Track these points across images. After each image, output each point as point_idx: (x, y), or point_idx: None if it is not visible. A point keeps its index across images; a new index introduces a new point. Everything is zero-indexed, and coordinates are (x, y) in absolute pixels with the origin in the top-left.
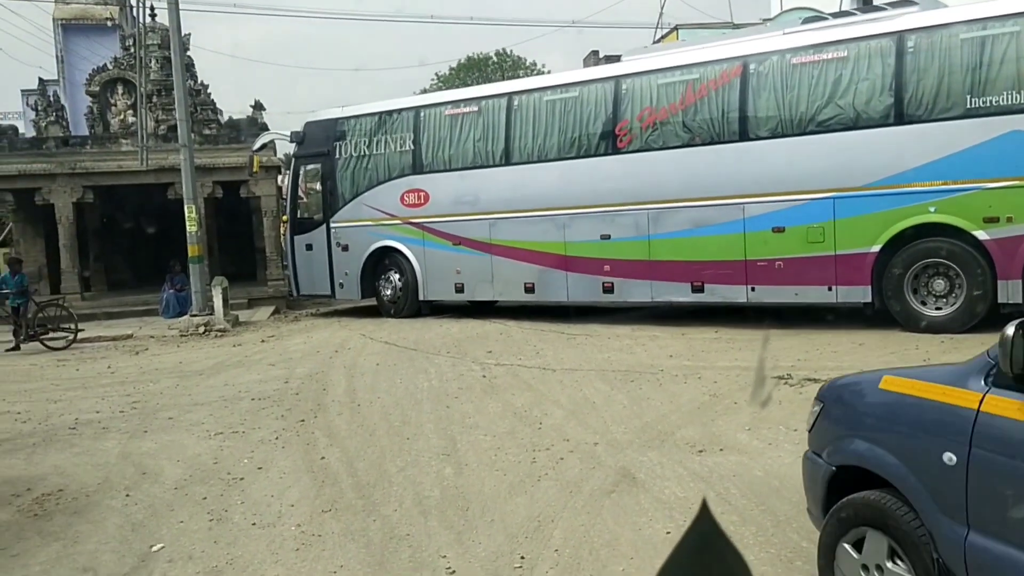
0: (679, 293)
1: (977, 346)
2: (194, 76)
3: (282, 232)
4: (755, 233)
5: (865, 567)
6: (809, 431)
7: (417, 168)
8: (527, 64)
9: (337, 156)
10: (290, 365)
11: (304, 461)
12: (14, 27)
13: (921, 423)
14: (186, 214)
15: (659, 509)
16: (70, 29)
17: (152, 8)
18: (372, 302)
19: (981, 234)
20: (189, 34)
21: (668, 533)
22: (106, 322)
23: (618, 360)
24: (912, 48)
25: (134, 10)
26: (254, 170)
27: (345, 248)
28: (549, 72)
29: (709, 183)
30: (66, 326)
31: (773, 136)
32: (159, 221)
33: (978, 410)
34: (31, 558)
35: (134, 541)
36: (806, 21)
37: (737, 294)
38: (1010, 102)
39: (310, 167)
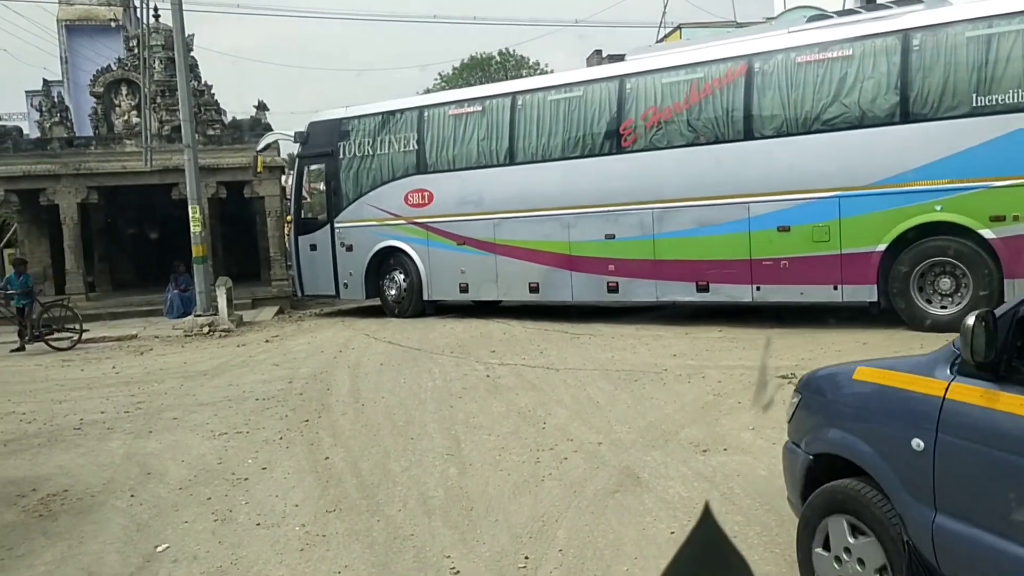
0: (684, 293)
1: None
2: (198, 77)
3: (286, 232)
4: (760, 232)
5: (839, 555)
6: (788, 422)
7: (421, 168)
8: (530, 64)
9: (341, 156)
10: (294, 365)
11: (308, 461)
12: (18, 28)
13: (891, 411)
14: (190, 214)
15: (663, 509)
16: (74, 30)
17: (156, 9)
18: (376, 302)
19: (987, 233)
20: (193, 35)
21: (672, 533)
22: (111, 322)
23: (622, 360)
24: (917, 46)
25: (138, 11)
26: (258, 170)
27: (349, 248)
28: (552, 72)
29: (714, 182)
30: (71, 327)
31: (778, 135)
32: (163, 221)
33: (944, 398)
34: (36, 558)
35: (139, 541)
36: (811, 19)
37: (742, 293)
38: (1016, 100)
39: (314, 167)
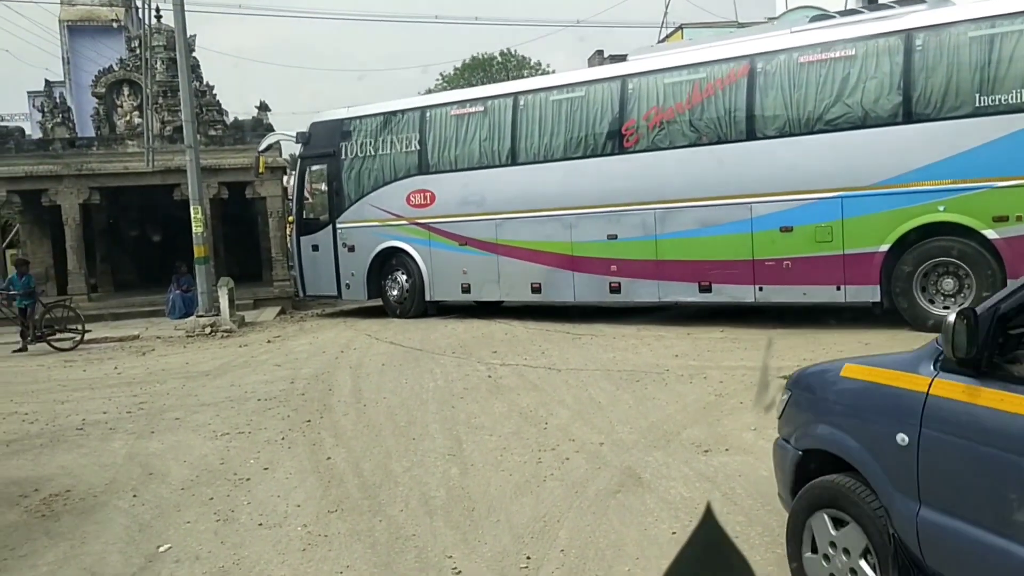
0: (687, 293)
1: None
2: (199, 77)
3: (288, 233)
4: (763, 233)
5: (829, 547)
6: (779, 418)
7: (423, 168)
8: (531, 64)
9: (343, 156)
10: (296, 366)
11: (310, 461)
12: (20, 28)
13: (878, 407)
14: (192, 215)
15: (665, 509)
16: (76, 30)
17: (158, 9)
18: (378, 303)
19: (991, 233)
20: (194, 35)
21: (674, 533)
22: (113, 323)
23: (624, 360)
24: (920, 46)
25: (139, 11)
26: (260, 171)
27: (351, 249)
28: (554, 72)
29: (716, 183)
30: (73, 327)
31: (781, 135)
32: (165, 222)
33: (927, 393)
34: (39, 558)
35: (141, 541)
36: (814, 20)
37: (745, 294)
38: (1019, 100)
39: (316, 168)
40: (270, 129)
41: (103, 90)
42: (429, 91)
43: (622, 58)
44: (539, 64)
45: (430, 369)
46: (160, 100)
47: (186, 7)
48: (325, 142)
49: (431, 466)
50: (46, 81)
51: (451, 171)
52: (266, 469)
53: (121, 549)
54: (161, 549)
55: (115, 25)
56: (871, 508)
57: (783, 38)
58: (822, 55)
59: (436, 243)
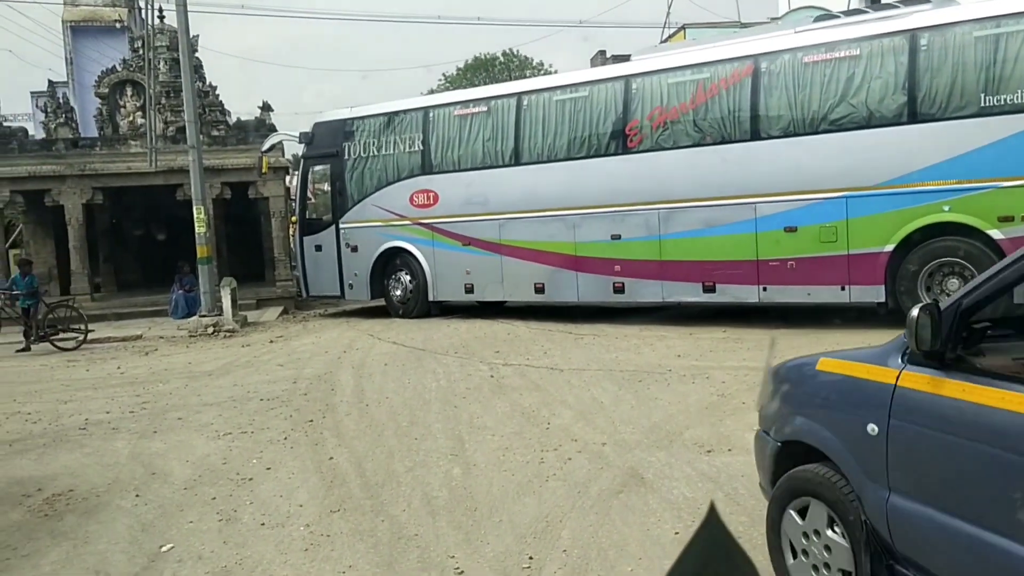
0: (690, 293)
1: None
2: (202, 78)
3: (291, 233)
4: (767, 233)
5: (806, 533)
6: (759, 411)
7: (426, 168)
8: (534, 64)
9: (346, 157)
10: (298, 366)
11: (313, 461)
12: (23, 29)
13: (849, 398)
14: (195, 215)
15: (667, 510)
16: (79, 31)
17: (161, 10)
18: (381, 303)
19: (996, 233)
20: (197, 36)
21: (676, 534)
22: (116, 323)
23: (626, 360)
24: (925, 46)
25: (143, 12)
26: (263, 171)
27: (354, 249)
28: (556, 72)
29: (720, 183)
30: (76, 327)
31: (785, 135)
32: (168, 222)
33: (895, 385)
34: (42, 558)
35: (144, 541)
36: (817, 19)
37: (749, 294)
38: None
39: (319, 168)
40: (273, 129)
41: (106, 90)
42: (432, 91)
43: (625, 58)
44: (541, 64)
45: (433, 369)
46: (163, 100)
47: (189, 7)
48: (328, 142)
49: (433, 466)
50: (49, 81)
51: (454, 171)
52: (269, 469)
53: (124, 549)
54: (164, 549)
55: (118, 25)
56: (845, 495)
57: (787, 38)
58: (826, 55)
59: (439, 243)
